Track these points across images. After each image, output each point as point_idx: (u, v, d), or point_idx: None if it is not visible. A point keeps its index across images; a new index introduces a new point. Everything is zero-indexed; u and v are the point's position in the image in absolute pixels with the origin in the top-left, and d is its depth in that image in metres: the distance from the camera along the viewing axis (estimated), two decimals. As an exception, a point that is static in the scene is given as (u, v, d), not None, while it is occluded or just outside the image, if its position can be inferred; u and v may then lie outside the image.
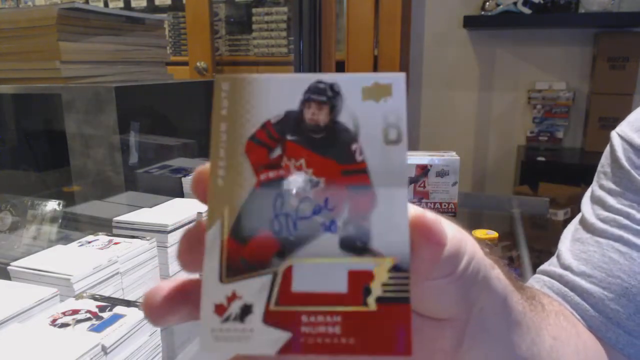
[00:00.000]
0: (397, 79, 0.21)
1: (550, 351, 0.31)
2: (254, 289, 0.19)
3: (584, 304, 0.42)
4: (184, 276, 0.21)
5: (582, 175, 1.71)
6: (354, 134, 0.20)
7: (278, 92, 0.21)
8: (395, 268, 0.19)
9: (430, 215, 0.19)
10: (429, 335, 0.24)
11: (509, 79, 2.11)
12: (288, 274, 0.19)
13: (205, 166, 0.21)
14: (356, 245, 0.19)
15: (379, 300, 0.18)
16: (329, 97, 0.21)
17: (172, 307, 0.20)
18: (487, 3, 1.94)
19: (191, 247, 0.20)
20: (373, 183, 0.20)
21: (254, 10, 2.33)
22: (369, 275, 0.19)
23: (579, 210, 0.50)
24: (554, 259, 0.48)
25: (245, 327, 0.18)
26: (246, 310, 0.18)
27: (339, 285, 0.19)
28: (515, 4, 1.88)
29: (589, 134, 1.95)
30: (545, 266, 0.48)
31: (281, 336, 0.18)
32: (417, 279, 0.19)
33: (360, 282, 0.19)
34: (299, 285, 0.19)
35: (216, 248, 0.19)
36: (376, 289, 0.18)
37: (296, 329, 0.18)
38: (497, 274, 0.25)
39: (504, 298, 0.26)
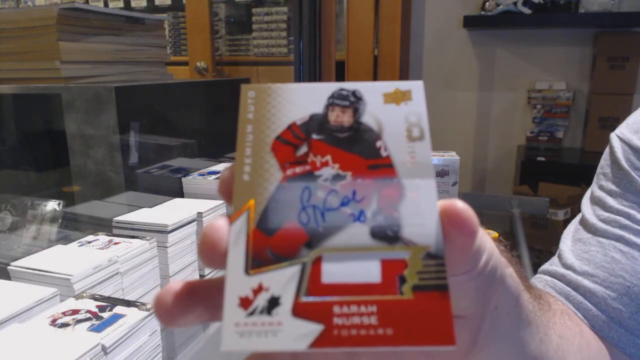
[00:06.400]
0: (416, 85, 0.22)
1: (557, 349, 0.32)
2: (282, 281, 0.18)
3: (586, 303, 0.42)
4: (193, 277, 0.21)
5: (582, 175, 1.71)
6: (377, 133, 0.21)
7: (302, 98, 0.21)
8: (429, 255, 0.18)
9: (461, 204, 0.19)
10: None
11: (509, 79, 2.11)
12: (317, 264, 0.18)
13: (230, 165, 0.20)
14: (387, 234, 0.18)
15: (416, 288, 0.17)
16: (352, 101, 0.21)
17: (184, 308, 0.19)
18: (487, 3, 1.94)
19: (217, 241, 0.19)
20: (400, 175, 0.20)
21: (254, 10, 2.33)
22: (402, 264, 0.18)
23: (579, 210, 0.50)
24: (555, 259, 0.48)
25: (273, 320, 0.17)
26: (273, 302, 0.17)
27: (372, 275, 0.18)
28: (515, 4, 1.88)
29: (588, 134, 1.95)
30: (546, 266, 0.48)
31: (312, 329, 0.17)
32: None
33: (394, 271, 0.18)
34: (329, 276, 0.18)
35: (242, 240, 0.18)
36: (412, 278, 0.18)
37: (328, 321, 0.17)
38: (511, 272, 0.25)
39: (517, 297, 0.26)
